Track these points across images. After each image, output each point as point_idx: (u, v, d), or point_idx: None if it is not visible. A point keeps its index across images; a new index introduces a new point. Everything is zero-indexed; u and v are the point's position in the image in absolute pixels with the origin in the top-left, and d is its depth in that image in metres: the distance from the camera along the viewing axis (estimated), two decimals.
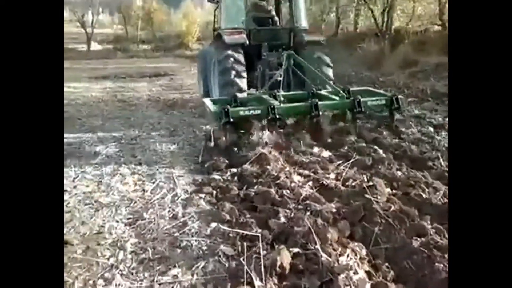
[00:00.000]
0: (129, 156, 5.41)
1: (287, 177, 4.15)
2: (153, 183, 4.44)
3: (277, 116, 5.25)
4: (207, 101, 6.01)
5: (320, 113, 5.43)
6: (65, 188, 4.20)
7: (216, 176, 4.48)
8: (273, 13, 8.13)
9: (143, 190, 4.23)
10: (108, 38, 36.75)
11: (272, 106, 5.25)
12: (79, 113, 8.44)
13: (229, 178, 4.44)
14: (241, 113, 5.25)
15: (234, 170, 4.57)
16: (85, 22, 32.64)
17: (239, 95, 6.12)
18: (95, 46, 33.50)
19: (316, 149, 5.16)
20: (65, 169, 4.74)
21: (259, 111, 5.26)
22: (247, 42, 6.90)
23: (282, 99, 5.77)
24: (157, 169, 4.87)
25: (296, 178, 4.21)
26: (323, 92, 6.22)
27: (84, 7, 34.39)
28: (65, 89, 10.90)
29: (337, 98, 5.94)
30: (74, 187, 4.33)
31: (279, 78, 6.22)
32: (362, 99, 5.60)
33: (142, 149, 5.78)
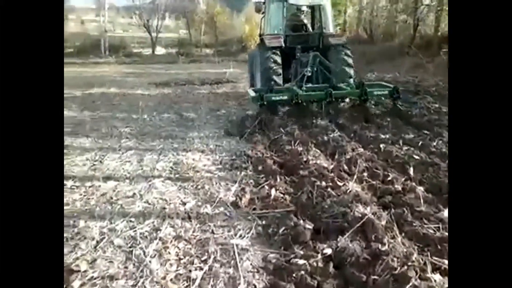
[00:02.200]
0: None
1: None
2: None
3: (300, 101, 6.93)
4: (250, 90, 7.88)
5: (333, 99, 7.11)
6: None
7: None
8: (306, 21, 9.61)
9: None
10: (172, 42, 36.57)
11: (296, 94, 6.91)
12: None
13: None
14: (273, 98, 6.98)
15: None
16: (151, 26, 32.42)
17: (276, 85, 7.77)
18: (160, 50, 33.34)
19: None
20: None
21: (286, 97, 6.96)
22: (284, 45, 8.40)
23: (305, 89, 7.40)
24: None
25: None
26: (341, 85, 7.70)
27: (151, 12, 34.34)
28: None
29: (349, 89, 7.55)
30: None
31: (308, 74, 7.78)
32: (368, 90, 7.16)
33: None
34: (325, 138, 5.88)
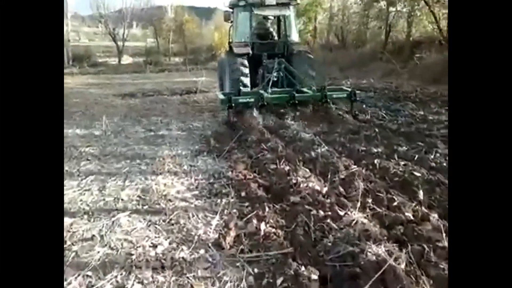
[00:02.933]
0: None
1: None
2: None
3: (265, 103, 7.46)
4: (219, 93, 8.67)
5: (296, 101, 7.71)
6: None
7: None
8: (272, 30, 10.10)
9: None
10: (140, 51, 35.47)
11: (262, 96, 7.40)
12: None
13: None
14: (240, 100, 7.42)
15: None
16: (117, 35, 31.23)
17: (242, 89, 7.97)
18: (126, 60, 32.18)
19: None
20: None
21: (252, 99, 7.41)
22: (251, 52, 8.88)
23: (270, 92, 7.90)
24: None
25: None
26: (304, 89, 8.26)
27: (117, 21, 33.14)
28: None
29: (311, 92, 8.04)
30: None
31: (274, 79, 8.34)
32: (328, 93, 7.83)
33: None
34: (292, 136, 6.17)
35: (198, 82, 16.71)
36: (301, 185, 4.13)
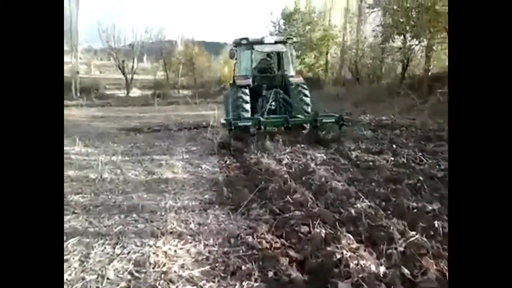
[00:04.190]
0: None
1: None
2: None
3: (261, 126, 8.54)
4: (222, 119, 10.06)
5: (290, 125, 8.75)
6: None
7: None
8: (271, 64, 10.89)
9: None
10: (148, 83, 35.06)
11: (259, 120, 8.41)
12: None
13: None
14: (239, 123, 8.32)
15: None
16: (126, 67, 30.86)
17: (243, 114, 8.84)
18: (135, 92, 31.67)
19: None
20: None
21: (250, 123, 8.46)
22: (251, 84, 9.71)
23: (266, 117, 8.81)
24: None
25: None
26: (298, 115, 9.10)
27: (128, 54, 32.92)
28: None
29: (303, 117, 9.06)
30: None
31: (272, 107, 9.43)
32: (318, 118, 8.64)
33: None
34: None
35: (207, 116, 15.87)
36: (349, 263, 3.02)
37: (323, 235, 3.55)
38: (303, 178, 5.63)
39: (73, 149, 8.46)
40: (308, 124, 9.05)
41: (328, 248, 3.30)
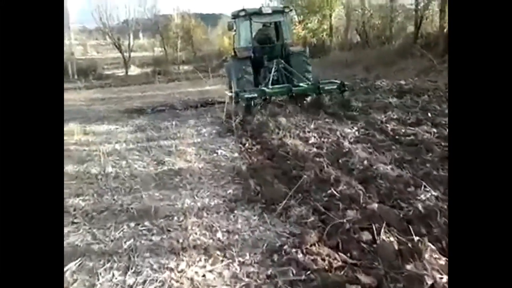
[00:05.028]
0: None
1: None
2: None
3: (267, 97, 8.83)
4: (227, 92, 10.76)
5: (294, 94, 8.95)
6: None
7: None
8: (271, 35, 10.68)
9: None
10: (147, 61, 33.72)
11: (264, 91, 8.51)
12: None
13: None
14: (245, 95, 8.30)
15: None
16: (122, 45, 29.51)
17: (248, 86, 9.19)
18: (134, 70, 30.44)
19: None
20: None
21: (255, 94, 8.42)
22: (252, 55, 9.98)
23: (271, 87, 8.78)
24: None
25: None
26: (301, 84, 9.13)
27: (123, 31, 31.45)
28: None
29: (305, 86, 8.98)
30: None
31: (274, 77, 9.31)
32: (321, 86, 8.73)
33: None
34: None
35: (212, 92, 14.86)
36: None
37: (394, 246, 2.69)
38: (340, 161, 4.74)
39: (72, 139, 7.55)
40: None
41: (408, 267, 2.44)
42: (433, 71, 13.91)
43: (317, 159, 4.87)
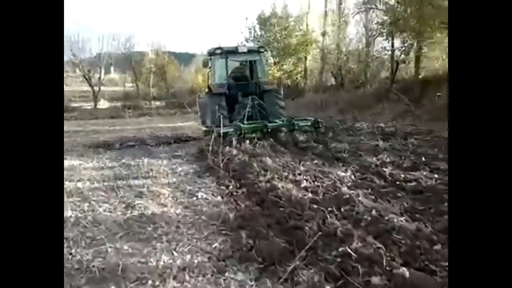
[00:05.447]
0: None
1: None
2: None
3: (242, 132, 8.51)
4: (202, 127, 9.98)
5: (269, 130, 8.84)
6: None
7: None
8: (246, 73, 11.16)
9: None
10: (118, 95, 32.79)
11: (240, 127, 8.52)
12: None
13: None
14: (221, 131, 7.97)
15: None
16: (92, 78, 28.60)
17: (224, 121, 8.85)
18: (103, 104, 29.39)
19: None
20: None
21: (232, 129, 8.34)
22: (228, 92, 10.23)
23: (246, 123, 8.99)
24: None
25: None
26: (276, 120, 9.42)
27: (95, 65, 30.62)
28: None
29: (280, 122, 9.34)
30: None
31: (249, 113, 9.63)
32: (295, 122, 9.11)
33: None
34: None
35: (184, 128, 14.17)
36: None
37: None
38: (343, 210, 4.08)
39: None
40: (286, 128, 9.26)
41: None
42: (409, 116, 13.86)
43: (315, 206, 4.20)
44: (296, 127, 8.96)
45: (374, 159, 6.58)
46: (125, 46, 31.40)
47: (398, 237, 3.29)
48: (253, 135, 8.94)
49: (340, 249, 3.08)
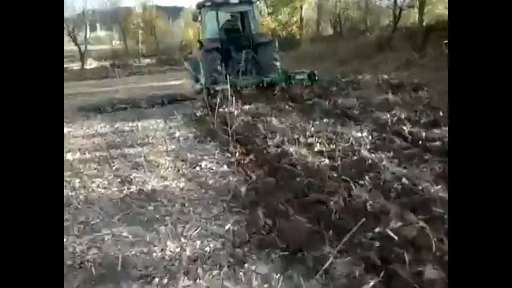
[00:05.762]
0: None
1: None
2: None
3: (238, 88, 8.32)
4: (196, 85, 9.75)
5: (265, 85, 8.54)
6: None
7: None
8: (238, 25, 10.62)
9: None
10: (106, 54, 31.50)
11: (235, 83, 8.17)
12: None
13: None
14: (217, 87, 7.79)
15: None
16: (77, 37, 27.25)
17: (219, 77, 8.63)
18: (91, 64, 28.25)
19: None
20: None
21: (227, 86, 7.04)
22: (220, 46, 9.48)
23: (242, 79, 8.90)
24: None
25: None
26: (270, 74, 8.90)
27: (79, 23, 29.08)
28: None
29: (276, 76, 8.83)
30: None
31: (243, 68, 9.32)
32: (291, 75, 8.75)
33: None
34: None
35: (177, 87, 13.45)
36: None
37: None
38: (367, 179, 3.60)
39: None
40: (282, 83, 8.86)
41: None
42: (413, 65, 13.17)
43: (334, 174, 3.73)
44: (293, 81, 8.72)
45: (388, 115, 6.05)
46: (110, 1, 29.75)
47: (440, 211, 2.83)
48: (248, 90, 8.71)
49: (376, 230, 2.63)
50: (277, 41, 10.70)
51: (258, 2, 11.87)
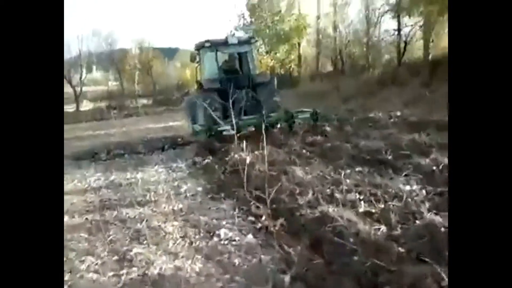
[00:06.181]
0: None
1: None
2: None
3: (240, 129, 7.49)
4: (195, 126, 8.95)
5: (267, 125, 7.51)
6: None
7: None
8: (237, 66, 10.34)
9: None
10: (101, 95, 30.95)
11: (236, 123, 7.04)
12: None
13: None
14: (218, 129, 7.93)
15: None
16: (73, 78, 26.72)
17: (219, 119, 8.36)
18: (86, 105, 27.59)
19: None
20: None
21: (229, 127, 7.30)
22: (220, 86, 9.24)
23: (243, 119, 8.56)
24: None
25: None
26: (271, 114, 8.77)
27: (75, 64, 28.69)
28: None
29: (279, 115, 8.75)
30: None
31: (244, 108, 8.93)
32: (294, 114, 8.66)
33: None
34: None
35: (176, 129, 12.64)
36: None
37: None
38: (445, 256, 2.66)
39: None
40: (283, 122, 8.72)
41: None
42: (420, 101, 12.51)
43: (401, 249, 2.79)
44: (295, 120, 8.56)
45: (427, 160, 5.18)
46: (106, 42, 29.51)
47: None
48: (248, 130, 8.41)
49: None
50: (276, 79, 10.26)
51: (256, 43, 11.79)
